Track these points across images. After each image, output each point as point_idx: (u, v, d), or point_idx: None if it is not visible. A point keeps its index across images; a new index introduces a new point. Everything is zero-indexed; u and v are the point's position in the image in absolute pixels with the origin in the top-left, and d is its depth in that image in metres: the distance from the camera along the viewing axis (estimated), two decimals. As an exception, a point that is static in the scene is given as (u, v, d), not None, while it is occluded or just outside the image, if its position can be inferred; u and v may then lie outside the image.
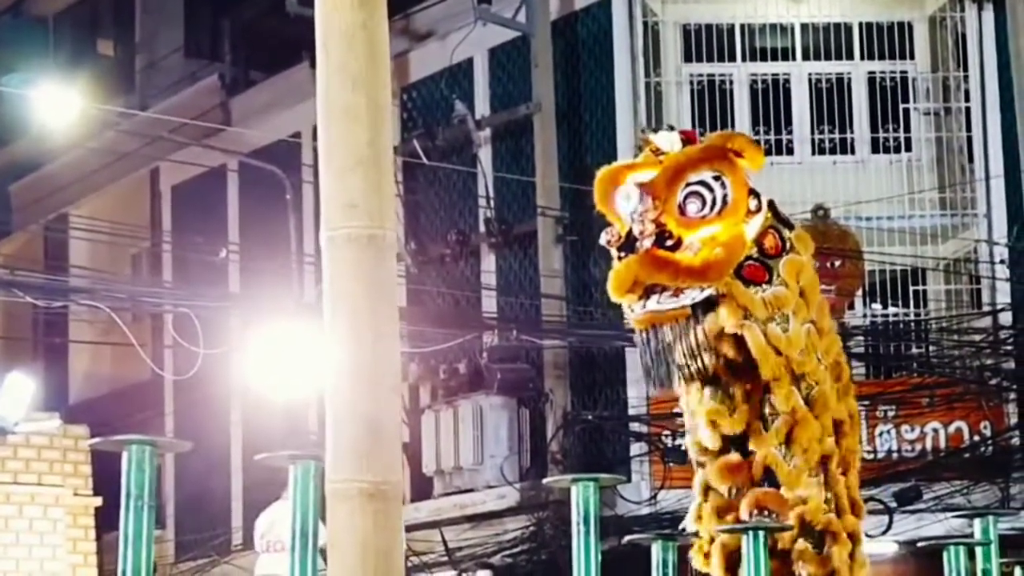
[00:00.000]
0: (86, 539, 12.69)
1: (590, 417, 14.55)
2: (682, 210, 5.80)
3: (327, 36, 4.72)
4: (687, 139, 6.00)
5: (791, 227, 6.09)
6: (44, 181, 20.35)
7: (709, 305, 5.80)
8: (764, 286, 5.89)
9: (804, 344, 5.97)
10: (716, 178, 5.83)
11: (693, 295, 5.77)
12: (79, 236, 17.88)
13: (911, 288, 14.56)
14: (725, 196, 5.82)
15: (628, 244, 5.81)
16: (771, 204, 6.04)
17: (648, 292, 5.81)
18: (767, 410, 5.94)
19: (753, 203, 5.92)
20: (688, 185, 5.82)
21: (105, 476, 11.74)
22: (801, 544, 5.95)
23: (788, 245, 6.03)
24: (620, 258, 5.85)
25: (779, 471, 5.91)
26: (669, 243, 5.77)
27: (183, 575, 17.48)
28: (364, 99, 4.64)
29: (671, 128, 6.10)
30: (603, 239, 5.92)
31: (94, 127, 17.55)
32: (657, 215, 5.77)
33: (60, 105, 14.21)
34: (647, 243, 5.77)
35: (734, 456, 5.95)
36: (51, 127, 15.92)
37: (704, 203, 5.81)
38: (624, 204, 5.87)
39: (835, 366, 6.12)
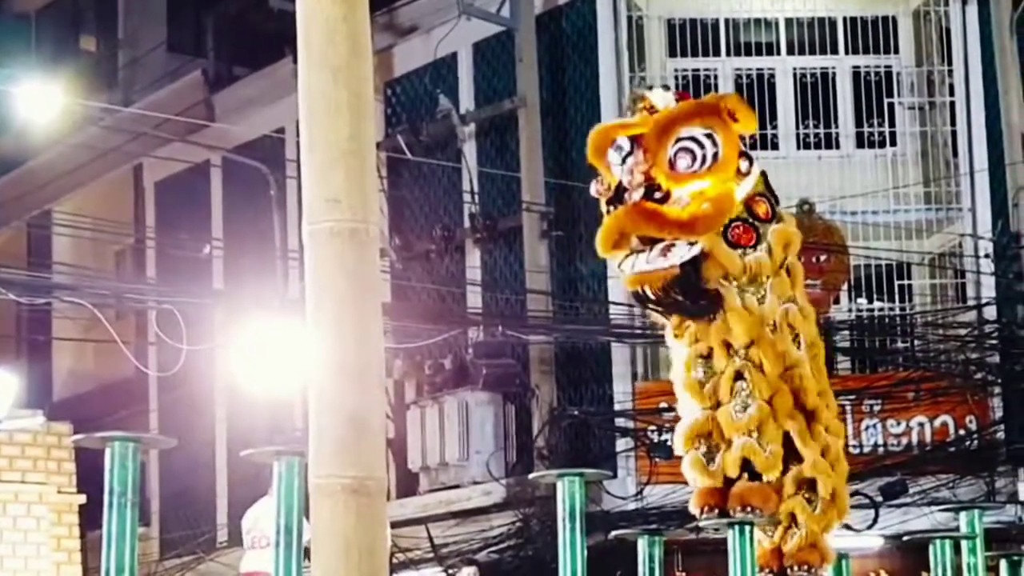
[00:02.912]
0: (70, 536, 12.63)
1: (576, 413, 14.54)
2: (672, 164, 5.82)
3: (308, 30, 4.69)
4: (682, 99, 6.02)
5: (778, 202, 6.12)
6: (27, 178, 20.27)
7: (696, 263, 5.81)
8: (748, 250, 5.92)
9: (779, 320, 5.98)
10: (708, 135, 5.86)
11: (681, 253, 5.79)
12: (62, 233, 17.83)
13: (896, 282, 14.56)
14: (715, 153, 5.84)
15: (617, 196, 5.83)
16: (763, 173, 6.06)
17: (636, 251, 5.83)
18: (743, 394, 5.95)
19: (744, 165, 5.95)
20: (679, 140, 5.83)
21: (89, 473, 11.69)
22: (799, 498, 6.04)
23: (778, 215, 6.07)
24: (608, 211, 5.87)
25: (756, 459, 5.94)
26: (658, 196, 5.79)
27: (168, 572, 17.43)
28: (346, 92, 4.61)
29: (666, 88, 6.12)
30: (592, 189, 5.94)
31: (77, 123, 17.49)
32: (647, 167, 5.80)
33: (43, 101, 14.15)
34: (636, 195, 5.79)
35: (711, 482, 5.99)
36: (34, 123, 15.86)
37: (694, 158, 5.83)
38: (615, 155, 5.89)
39: (811, 347, 6.15)
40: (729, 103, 5.95)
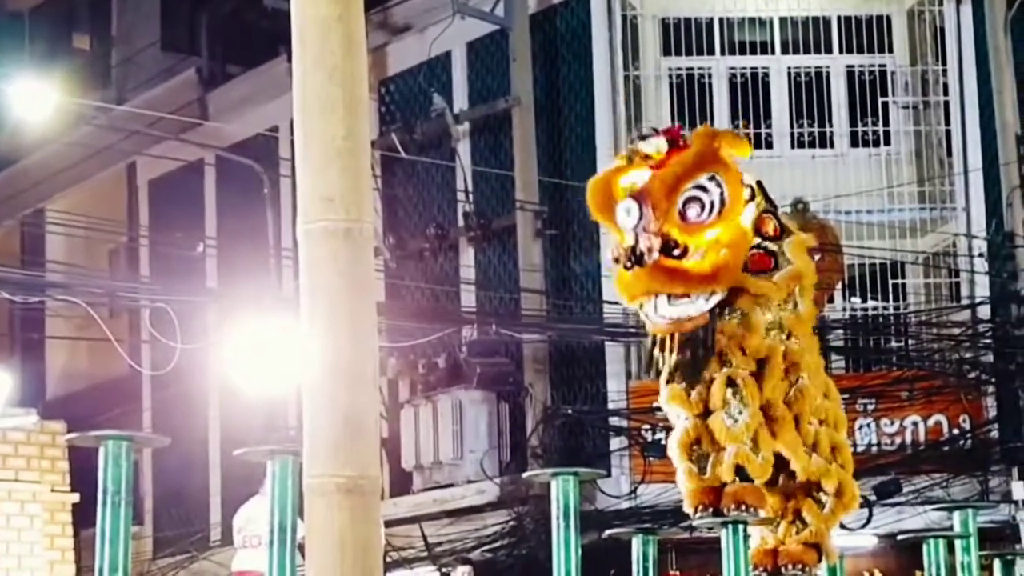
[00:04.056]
0: (63, 535, 12.61)
1: (570, 411, 14.54)
2: (683, 216, 5.83)
3: (303, 29, 4.69)
4: (672, 139, 6.01)
5: (776, 207, 6.15)
6: (20, 176, 20.26)
7: (724, 304, 5.84)
8: (771, 272, 5.95)
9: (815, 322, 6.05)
10: (711, 178, 5.87)
11: (706, 295, 5.81)
12: (56, 231, 17.81)
13: (890, 282, 14.57)
14: (722, 195, 5.86)
15: (636, 259, 5.83)
16: (760, 186, 6.08)
17: (656, 294, 5.86)
18: (735, 401, 5.95)
19: (747, 193, 5.97)
20: (686, 191, 5.86)
21: (83, 472, 11.68)
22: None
23: (784, 227, 6.09)
24: (627, 267, 5.87)
25: (750, 466, 5.94)
26: (676, 252, 5.80)
27: (161, 571, 17.42)
28: (341, 92, 4.61)
29: (654, 131, 6.12)
30: (610, 257, 5.95)
31: (70, 122, 17.46)
32: (659, 226, 5.81)
33: (36, 100, 14.13)
34: (655, 255, 5.80)
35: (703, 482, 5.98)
36: (27, 122, 15.84)
37: (703, 206, 5.86)
38: (624, 219, 5.90)
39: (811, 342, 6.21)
40: (724, 142, 5.97)
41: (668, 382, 5.99)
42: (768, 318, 5.96)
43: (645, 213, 5.82)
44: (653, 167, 5.91)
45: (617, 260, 5.91)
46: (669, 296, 5.82)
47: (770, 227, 6.04)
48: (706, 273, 5.79)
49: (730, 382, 5.94)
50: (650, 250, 5.80)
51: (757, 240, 5.98)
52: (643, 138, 6.07)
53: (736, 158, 5.96)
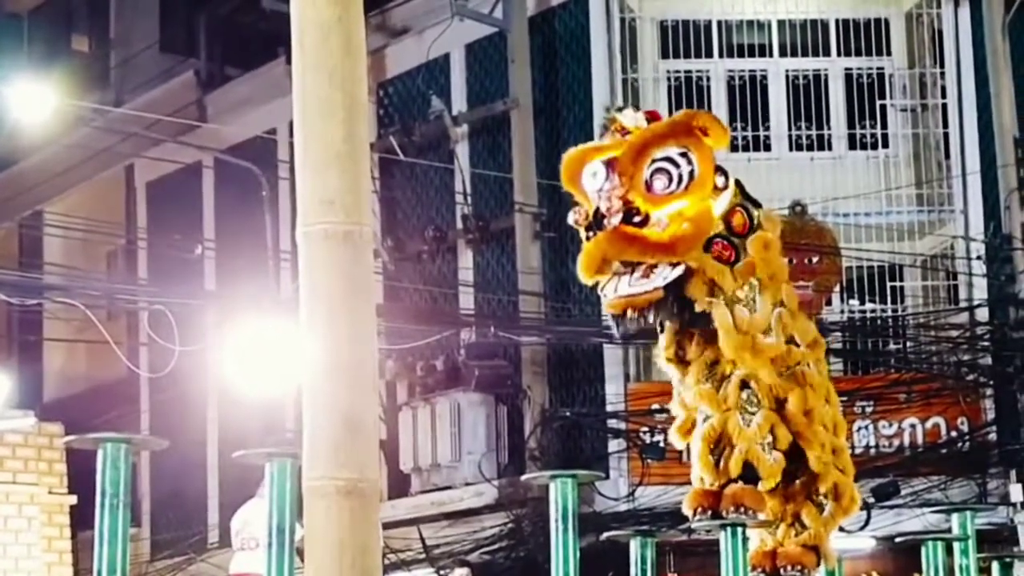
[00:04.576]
0: (61, 537, 12.61)
1: (568, 414, 14.54)
2: (649, 186, 5.80)
3: (303, 31, 4.70)
4: (652, 119, 6.00)
5: (758, 206, 6.10)
6: (18, 178, 20.25)
7: (680, 284, 5.79)
8: (731, 266, 5.90)
9: (773, 324, 5.97)
10: (682, 154, 5.83)
11: (664, 274, 5.77)
12: (54, 233, 17.81)
13: (888, 284, 14.58)
14: (691, 172, 5.81)
15: (596, 222, 5.81)
16: (738, 183, 6.04)
17: (618, 274, 5.81)
18: (749, 402, 5.95)
19: (720, 180, 5.93)
20: (654, 161, 5.81)
21: (80, 474, 11.68)
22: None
23: (756, 223, 6.04)
24: (588, 238, 5.85)
25: (760, 465, 5.93)
26: (637, 219, 5.77)
27: (159, 573, 17.42)
28: (340, 94, 4.62)
29: (636, 108, 6.10)
30: (570, 218, 5.93)
31: (69, 123, 17.47)
32: (624, 192, 5.77)
33: (34, 101, 14.13)
34: (615, 220, 5.77)
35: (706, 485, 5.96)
36: (25, 123, 15.85)
37: (671, 179, 5.80)
38: (591, 182, 5.87)
39: (813, 345, 6.17)
40: (701, 120, 5.93)
41: (697, 382, 5.97)
42: (729, 319, 5.87)
43: (611, 177, 5.80)
44: None
45: (577, 223, 5.89)
46: (631, 278, 5.78)
47: (738, 221, 5.99)
48: (664, 242, 5.74)
49: (743, 384, 5.93)
50: (610, 211, 5.76)
51: (724, 231, 5.93)
52: (620, 110, 6.05)
53: (715, 148, 5.92)
